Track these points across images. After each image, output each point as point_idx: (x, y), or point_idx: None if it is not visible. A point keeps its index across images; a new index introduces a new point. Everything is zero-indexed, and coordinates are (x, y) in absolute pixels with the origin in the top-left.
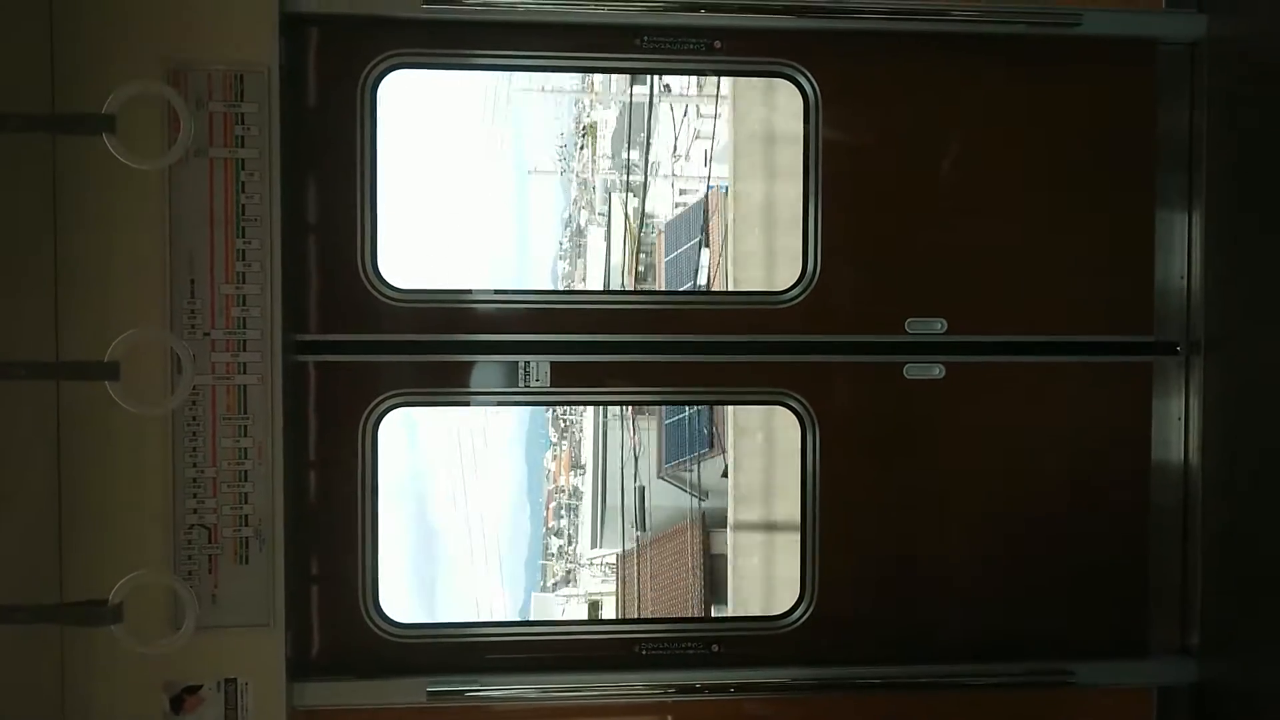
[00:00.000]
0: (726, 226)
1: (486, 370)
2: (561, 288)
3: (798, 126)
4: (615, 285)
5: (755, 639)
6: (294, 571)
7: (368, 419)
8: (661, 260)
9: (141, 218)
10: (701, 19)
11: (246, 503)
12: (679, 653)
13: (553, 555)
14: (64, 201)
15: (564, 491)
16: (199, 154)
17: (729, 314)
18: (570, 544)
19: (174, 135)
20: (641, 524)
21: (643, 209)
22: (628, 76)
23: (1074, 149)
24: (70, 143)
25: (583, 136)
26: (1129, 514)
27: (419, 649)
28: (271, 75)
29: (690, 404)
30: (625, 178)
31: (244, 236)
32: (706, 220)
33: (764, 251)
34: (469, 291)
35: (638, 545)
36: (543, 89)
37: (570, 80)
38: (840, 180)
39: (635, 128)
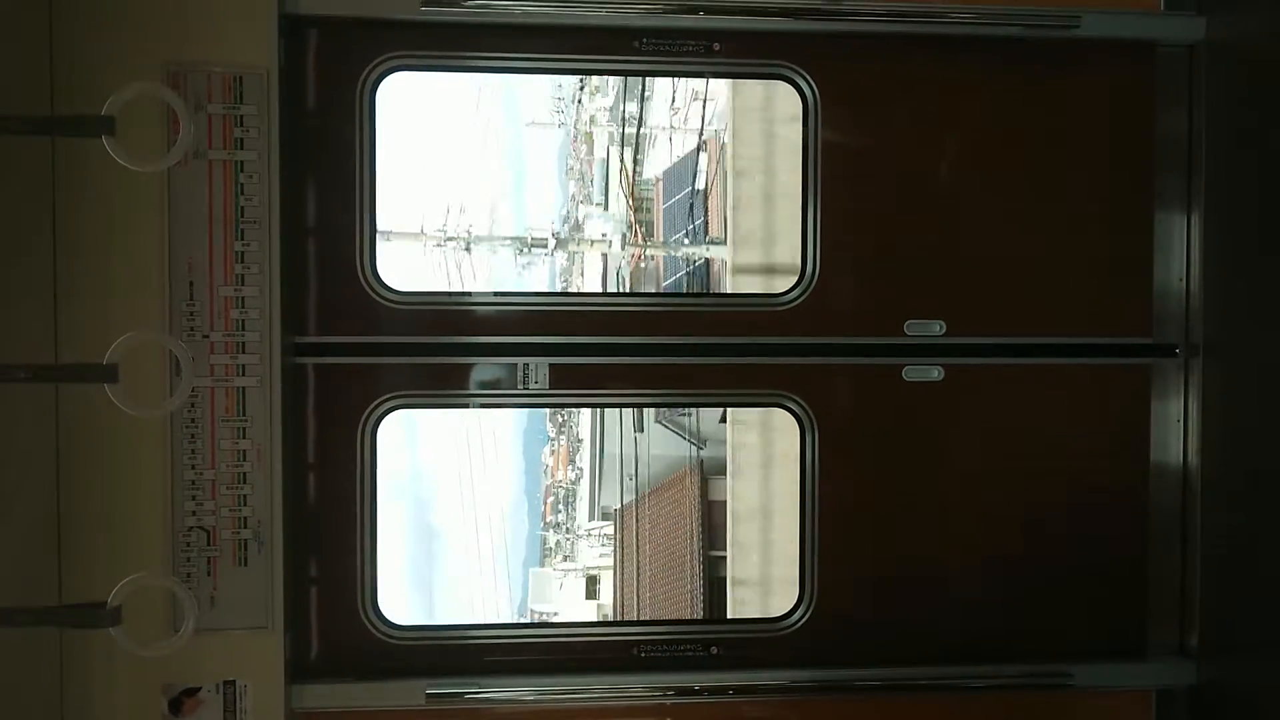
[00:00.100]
0: (726, 172)
1: (485, 372)
2: (561, 284)
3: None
4: (616, 241)
5: (754, 641)
6: (293, 574)
7: (366, 421)
8: (660, 206)
9: (140, 220)
10: (700, 21)
11: (245, 505)
12: (677, 655)
13: (551, 526)
14: (63, 204)
15: (562, 486)
16: (198, 156)
17: (727, 316)
18: (569, 519)
19: (173, 137)
20: (639, 425)
21: (636, 148)
22: None
23: (1072, 151)
24: (69, 145)
25: (580, 89)
26: (1127, 516)
27: (418, 651)
28: (270, 77)
29: (689, 406)
30: (622, 130)
31: (243, 238)
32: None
33: (762, 196)
34: (468, 293)
35: (636, 497)
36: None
37: None
38: (839, 182)
39: (632, 82)
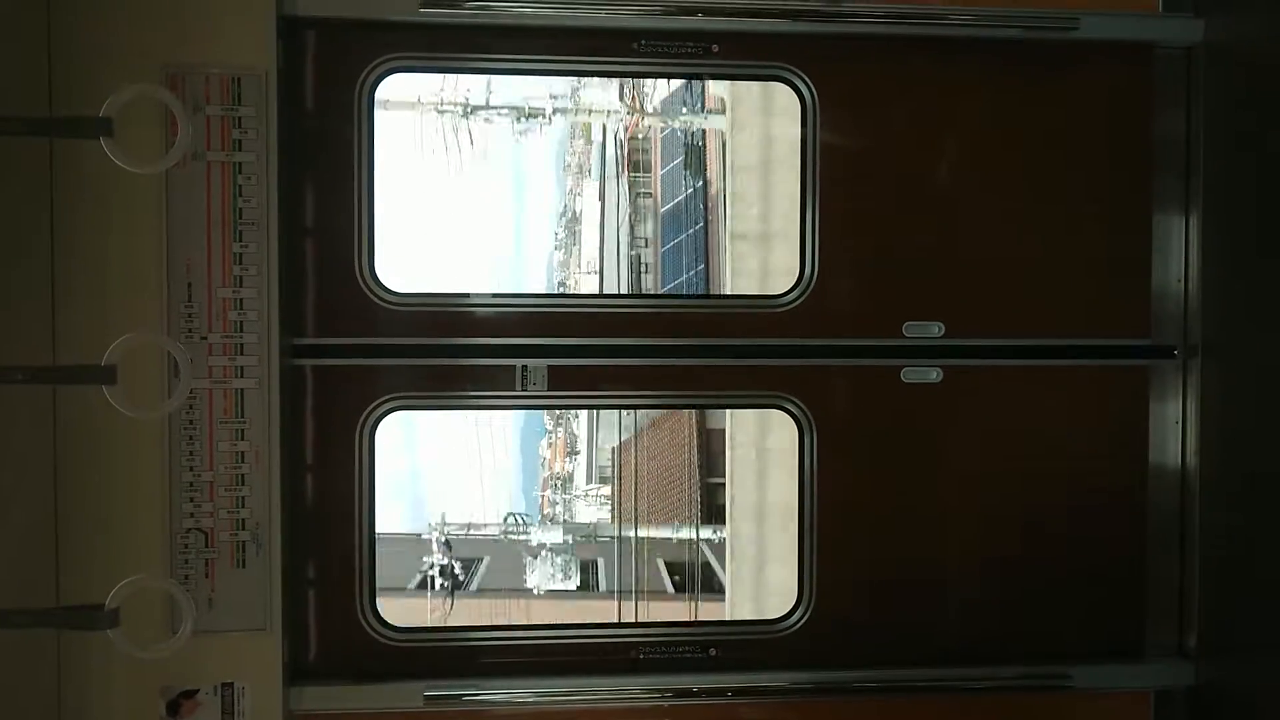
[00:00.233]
0: (724, 139)
1: (484, 373)
2: (560, 278)
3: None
4: (611, 207)
5: (752, 643)
6: (291, 575)
7: (365, 422)
8: (658, 172)
9: (139, 221)
10: (698, 23)
11: (243, 506)
12: (676, 657)
13: (549, 486)
14: (61, 205)
15: (560, 478)
16: (196, 158)
17: (726, 317)
18: (568, 484)
19: (171, 139)
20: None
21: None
22: None
23: (1071, 152)
24: (67, 146)
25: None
26: (1126, 517)
27: (416, 653)
28: (269, 79)
29: (689, 407)
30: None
31: (241, 240)
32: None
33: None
34: (466, 295)
35: (636, 432)
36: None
37: None
38: (837, 184)
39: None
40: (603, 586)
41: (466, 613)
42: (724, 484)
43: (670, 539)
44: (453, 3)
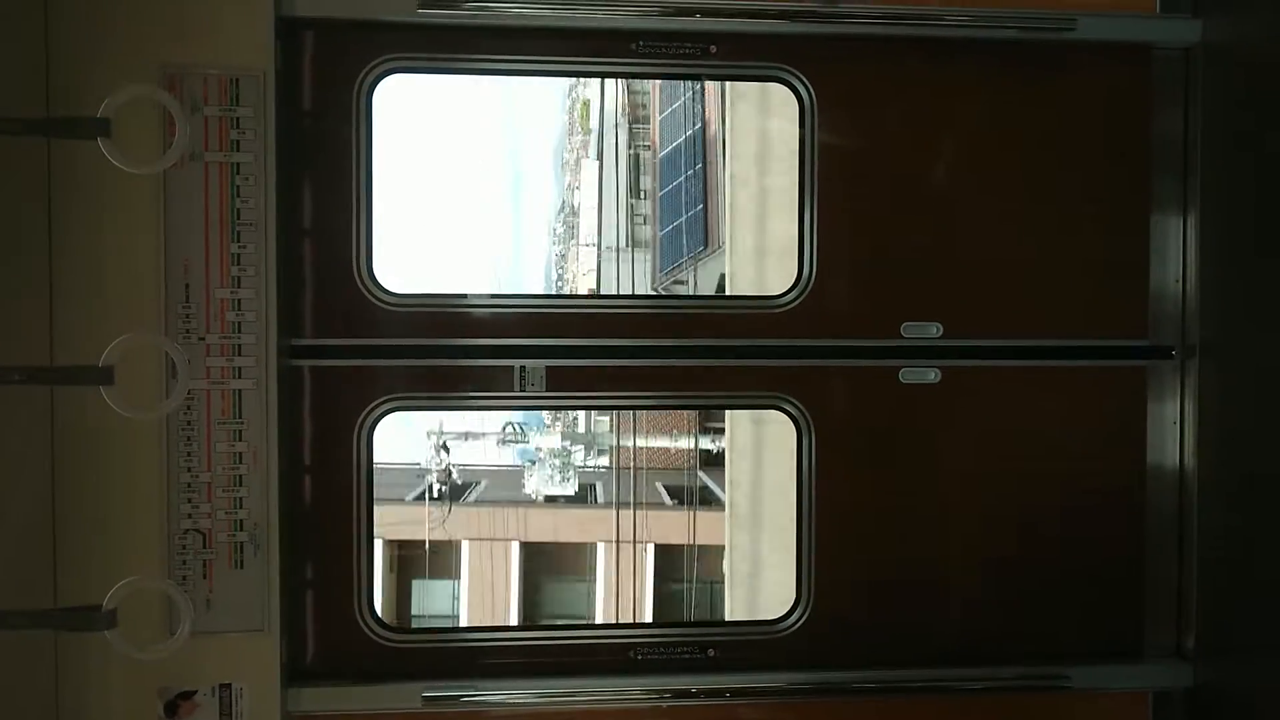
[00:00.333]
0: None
1: (482, 374)
2: (559, 276)
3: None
4: (610, 185)
5: (751, 643)
6: (289, 576)
7: (363, 423)
8: (657, 149)
9: (136, 222)
10: (697, 24)
11: (241, 507)
12: (674, 657)
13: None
14: (58, 206)
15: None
16: (194, 158)
17: (725, 318)
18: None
19: (169, 139)
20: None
21: None
22: None
23: (1068, 153)
24: (65, 147)
25: None
26: (1124, 518)
27: (415, 654)
28: (267, 79)
29: (687, 408)
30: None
31: (239, 241)
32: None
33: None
34: (464, 296)
35: None
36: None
37: None
38: (835, 185)
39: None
40: (600, 500)
41: (464, 524)
42: (722, 428)
43: (669, 448)
44: (451, 3)
